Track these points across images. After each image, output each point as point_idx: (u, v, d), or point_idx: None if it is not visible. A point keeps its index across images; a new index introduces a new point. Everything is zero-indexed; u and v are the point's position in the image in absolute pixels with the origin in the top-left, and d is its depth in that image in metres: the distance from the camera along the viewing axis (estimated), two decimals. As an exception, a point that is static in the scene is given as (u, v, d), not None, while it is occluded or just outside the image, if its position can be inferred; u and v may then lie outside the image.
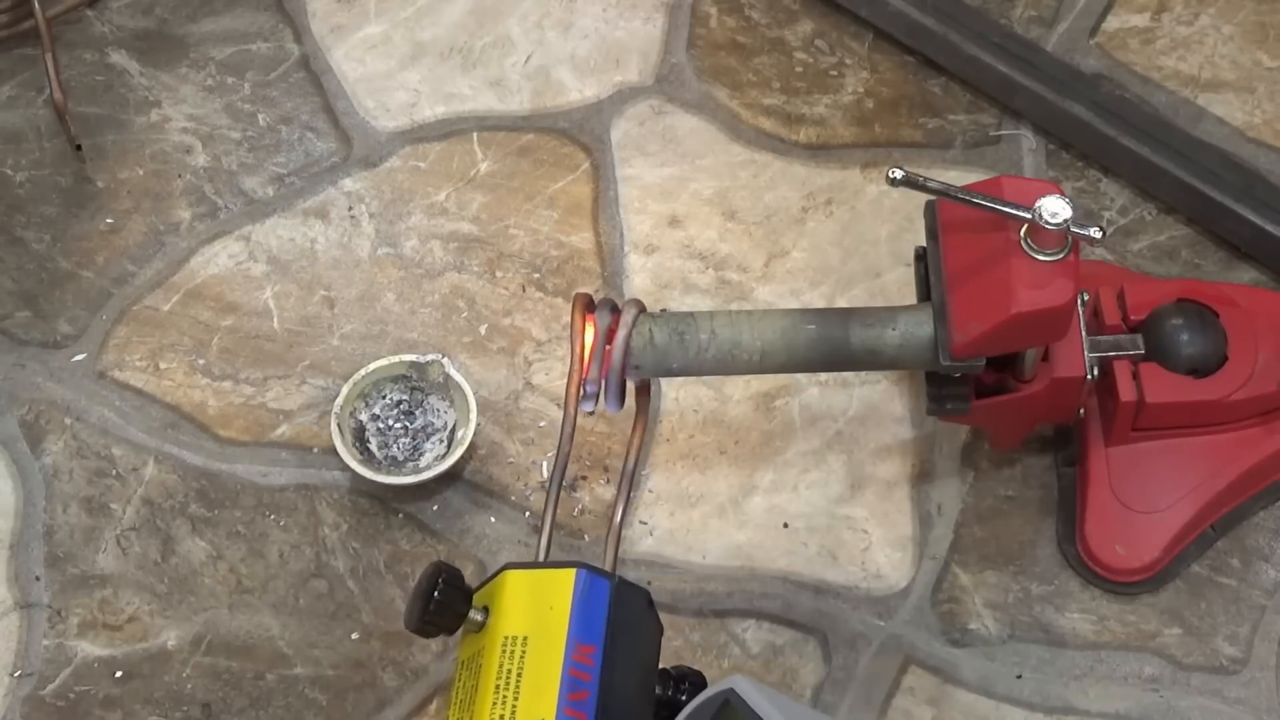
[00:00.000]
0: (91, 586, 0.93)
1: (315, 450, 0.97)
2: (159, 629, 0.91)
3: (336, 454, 0.93)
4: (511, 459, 0.96)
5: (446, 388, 0.97)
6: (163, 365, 1.01)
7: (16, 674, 0.90)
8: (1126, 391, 0.87)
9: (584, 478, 0.95)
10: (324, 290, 1.03)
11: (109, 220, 1.06)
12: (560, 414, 0.81)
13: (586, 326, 0.80)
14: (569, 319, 0.80)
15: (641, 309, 0.82)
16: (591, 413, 0.96)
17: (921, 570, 0.92)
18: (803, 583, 0.92)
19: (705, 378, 0.98)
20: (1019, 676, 0.88)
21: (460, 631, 0.74)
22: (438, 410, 0.97)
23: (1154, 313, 0.90)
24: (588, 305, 0.80)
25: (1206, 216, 1.02)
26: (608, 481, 0.95)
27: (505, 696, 0.70)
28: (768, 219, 1.05)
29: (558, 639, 0.71)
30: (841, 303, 1.01)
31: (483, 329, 1.01)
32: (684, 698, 0.74)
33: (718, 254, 1.04)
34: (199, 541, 0.94)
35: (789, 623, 0.91)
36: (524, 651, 0.71)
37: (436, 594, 0.71)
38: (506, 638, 0.71)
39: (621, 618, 0.72)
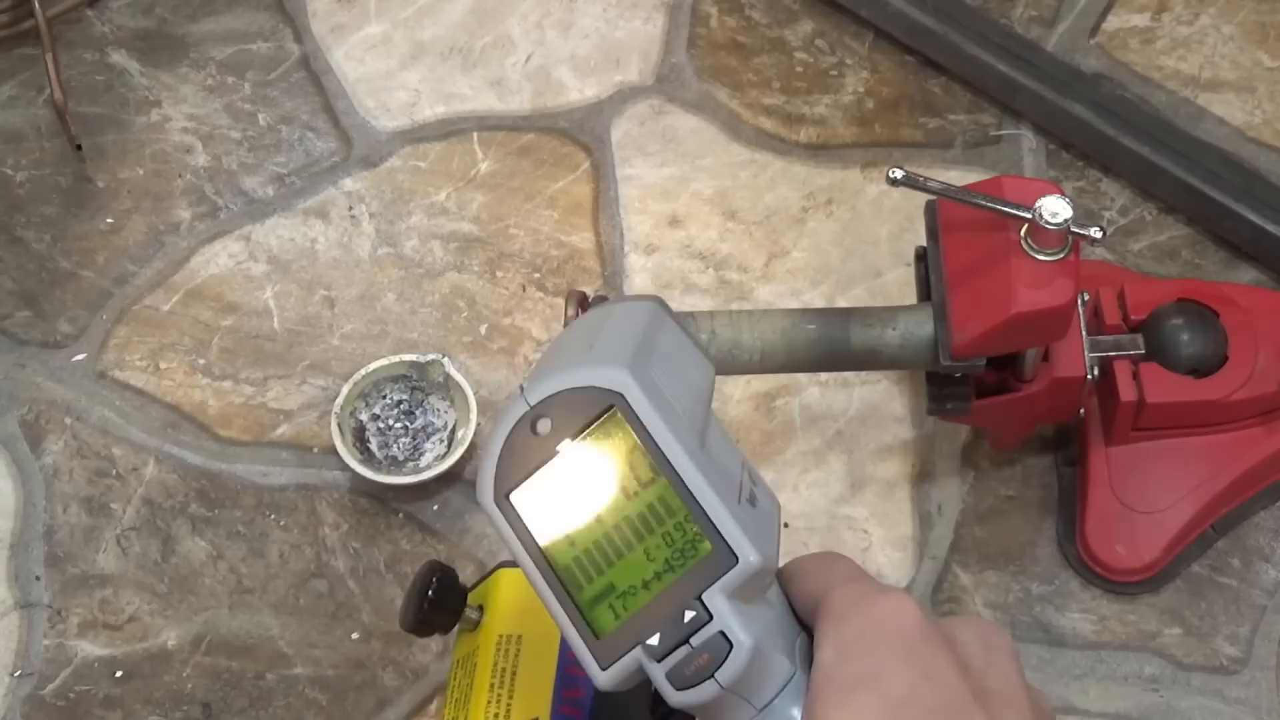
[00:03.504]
0: (91, 586, 0.93)
1: (315, 450, 0.97)
2: (159, 629, 0.91)
3: (336, 454, 0.93)
4: (511, 459, 0.96)
5: (447, 387, 0.97)
6: (163, 365, 1.01)
7: (16, 674, 0.90)
8: (1127, 391, 0.87)
9: (584, 478, 0.95)
10: (324, 290, 1.03)
11: (109, 220, 1.06)
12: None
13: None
14: (564, 318, 0.80)
15: None
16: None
17: (922, 570, 0.92)
18: (803, 583, 0.92)
19: (705, 378, 0.98)
20: (1019, 676, 0.88)
21: (456, 630, 0.74)
22: (438, 410, 0.97)
23: (1154, 313, 0.90)
24: (581, 301, 0.80)
25: (1207, 216, 1.02)
26: (608, 481, 0.95)
27: (500, 695, 0.70)
28: (768, 219, 1.05)
29: (552, 637, 0.71)
30: (841, 303, 1.01)
31: (483, 329, 1.01)
32: None
33: (718, 254, 1.04)
34: (199, 541, 0.94)
35: (789, 623, 0.91)
36: (519, 650, 0.71)
37: (431, 593, 0.71)
38: (501, 636, 0.71)
39: None
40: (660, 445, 0.50)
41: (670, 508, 0.50)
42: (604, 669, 0.50)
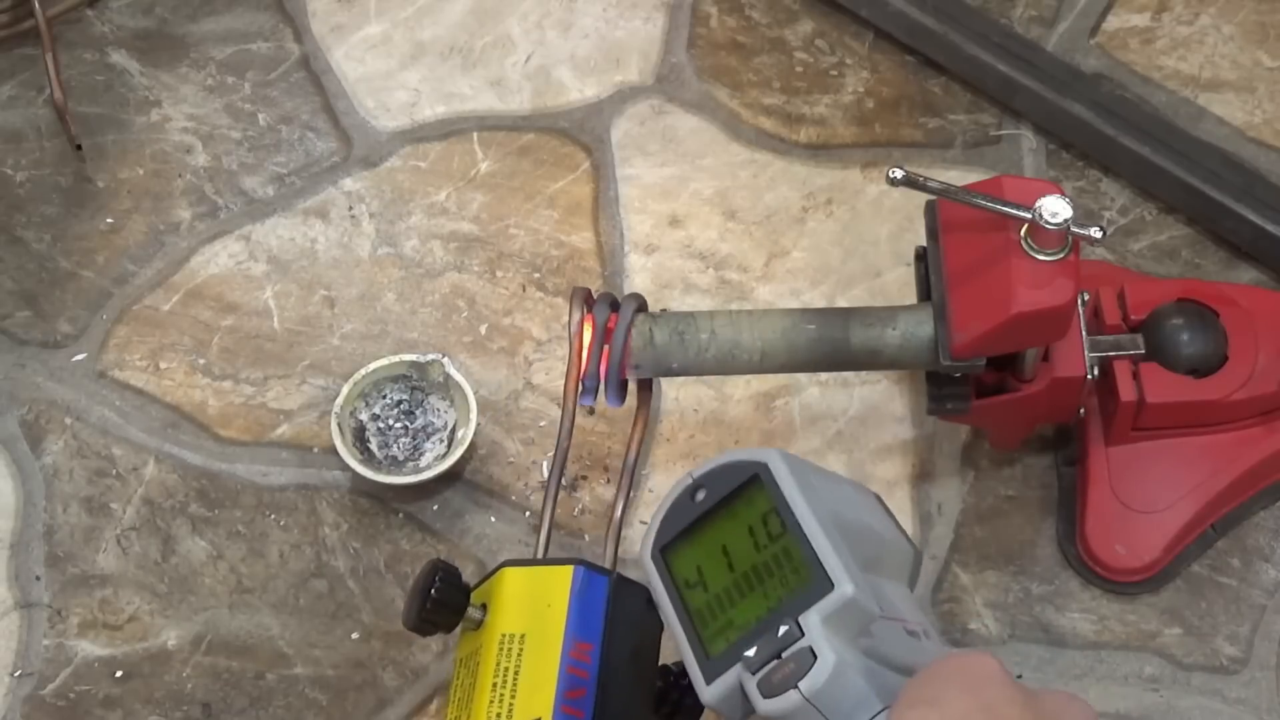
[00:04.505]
0: (91, 586, 0.93)
1: (315, 450, 0.97)
2: (159, 629, 0.91)
3: (336, 454, 0.93)
4: (511, 459, 0.96)
5: (447, 387, 0.97)
6: (163, 365, 1.01)
7: (16, 674, 0.90)
8: (1127, 391, 0.87)
9: (584, 477, 0.95)
10: (324, 290, 1.03)
11: (109, 220, 1.06)
12: (560, 413, 0.81)
13: (585, 321, 0.80)
14: (568, 316, 0.80)
15: (641, 302, 0.82)
16: (591, 409, 0.96)
17: (922, 570, 0.92)
18: (803, 582, 0.92)
19: (705, 377, 0.98)
20: (1019, 676, 0.88)
21: (458, 629, 0.74)
22: (438, 410, 0.97)
23: (1154, 312, 0.90)
24: (586, 299, 0.80)
25: (1207, 216, 1.02)
26: (608, 481, 0.95)
27: (502, 695, 0.70)
28: (768, 219, 1.05)
29: (555, 636, 0.71)
30: (841, 303, 1.01)
31: (483, 329, 1.01)
32: (684, 696, 0.74)
33: (718, 254, 1.04)
34: (199, 541, 0.94)
35: (789, 622, 0.90)
36: (521, 649, 0.71)
37: (434, 591, 0.71)
38: (504, 635, 0.71)
39: (620, 614, 0.72)
40: (791, 506, 0.60)
41: (790, 555, 0.59)
42: (708, 683, 0.59)
